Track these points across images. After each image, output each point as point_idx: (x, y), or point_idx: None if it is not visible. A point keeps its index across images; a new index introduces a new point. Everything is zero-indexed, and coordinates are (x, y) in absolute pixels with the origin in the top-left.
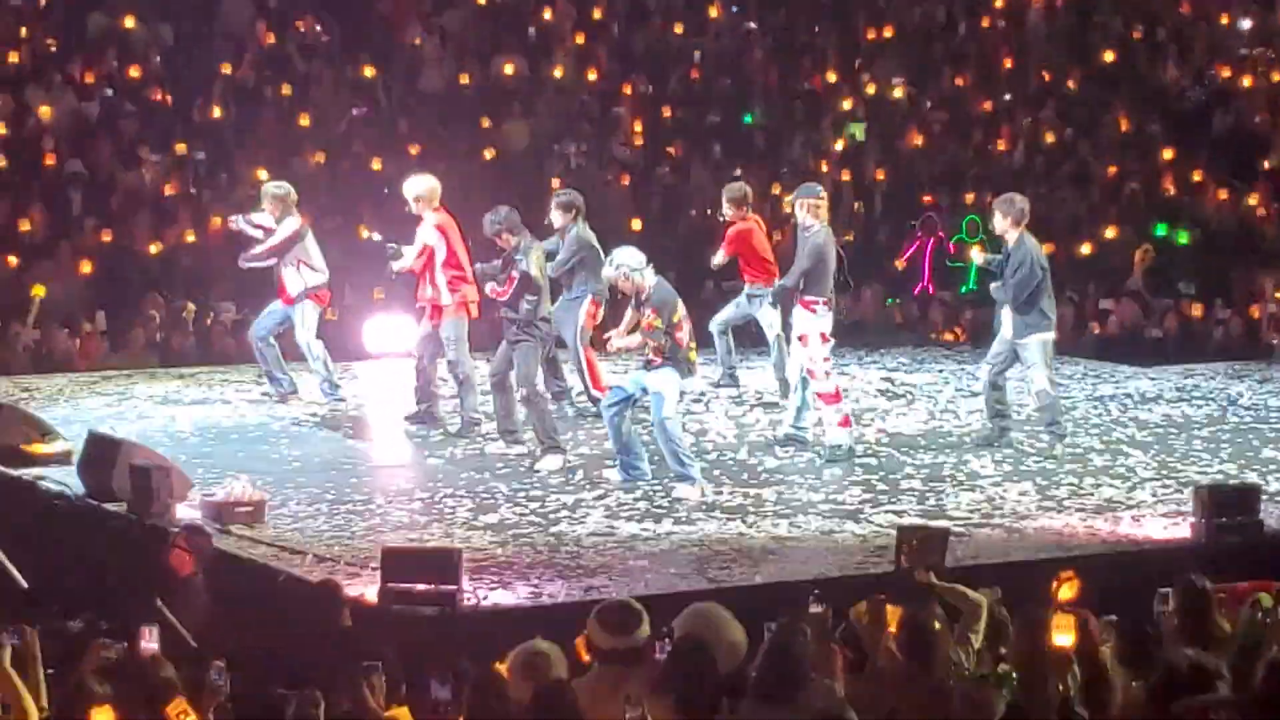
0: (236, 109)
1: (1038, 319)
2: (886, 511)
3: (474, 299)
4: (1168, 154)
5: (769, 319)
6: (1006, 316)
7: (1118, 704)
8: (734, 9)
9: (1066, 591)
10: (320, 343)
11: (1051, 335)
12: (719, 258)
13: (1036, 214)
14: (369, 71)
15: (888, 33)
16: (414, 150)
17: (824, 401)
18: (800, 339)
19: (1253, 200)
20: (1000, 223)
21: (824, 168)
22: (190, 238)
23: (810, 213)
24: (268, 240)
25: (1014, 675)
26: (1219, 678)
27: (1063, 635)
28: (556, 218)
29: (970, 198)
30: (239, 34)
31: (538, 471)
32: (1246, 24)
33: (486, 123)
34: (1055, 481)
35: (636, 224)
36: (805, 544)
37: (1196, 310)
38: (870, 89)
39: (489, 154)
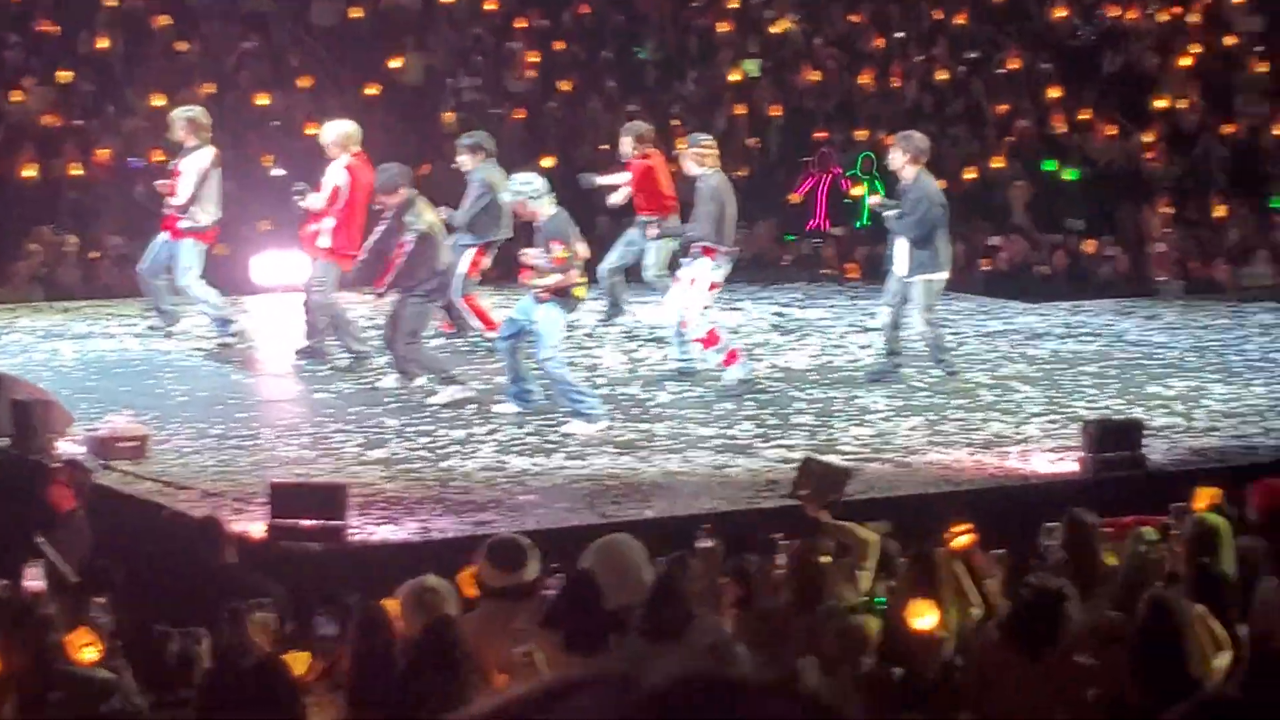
0: (124, 39)
1: (930, 259)
2: (777, 446)
3: (352, 254)
4: (1057, 92)
5: (653, 258)
6: (900, 252)
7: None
8: None
9: (961, 542)
10: (203, 282)
11: (941, 276)
12: (619, 197)
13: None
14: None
15: None
16: (304, 84)
17: (703, 347)
18: (691, 281)
19: (1143, 139)
20: (897, 159)
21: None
22: (76, 170)
23: (696, 161)
24: (182, 181)
25: (884, 602)
26: (1067, 599)
27: (922, 619)
28: (465, 161)
29: (864, 134)
30: None
31: (435, 401)
32: None
33: (389, 62)
34: (944, 417)
35: (547, 162)
36: (696, 479)
37: (1087, 247)
38: (766, 25)
39: (372, 90)
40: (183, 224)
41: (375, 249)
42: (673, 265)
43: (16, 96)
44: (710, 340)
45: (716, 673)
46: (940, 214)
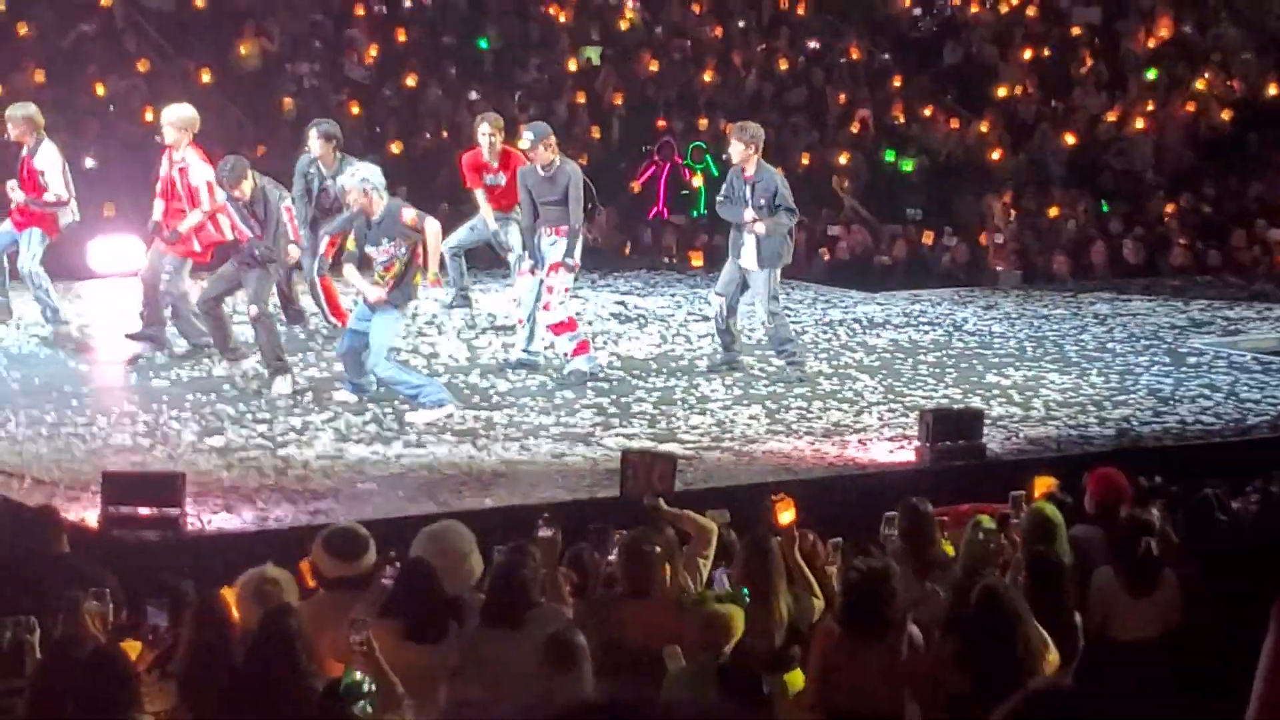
0: None
1: (780, 248)
2: (617, 435)
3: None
4: (897, 82)
5: (514, 241)
6: (749, 243)
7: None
8: None
9: (785, 514)
10: (42, 269)
11: (782, 265)
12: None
13: (771, 141)
14: None
15: None
16: (142, 68)
17: (555, 332)
18: (553, 267)
19: (981, 129)
20: (737, 150)
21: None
22: None
23: (552, 150)
24: (50, 179)
25: (747, 594)
26: (890, 577)
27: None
28: (316, 147)
29: (704, 123)
30: None
31: (268, 394)
32: None
33: (234, 47)
34: (784, 406)
35: (396, 147)
36: (536, 467)
37: (926, 238)
38: (609, 15)
39: (206, 77)
40: (61, 221)
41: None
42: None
43: None
44: (568, 326)
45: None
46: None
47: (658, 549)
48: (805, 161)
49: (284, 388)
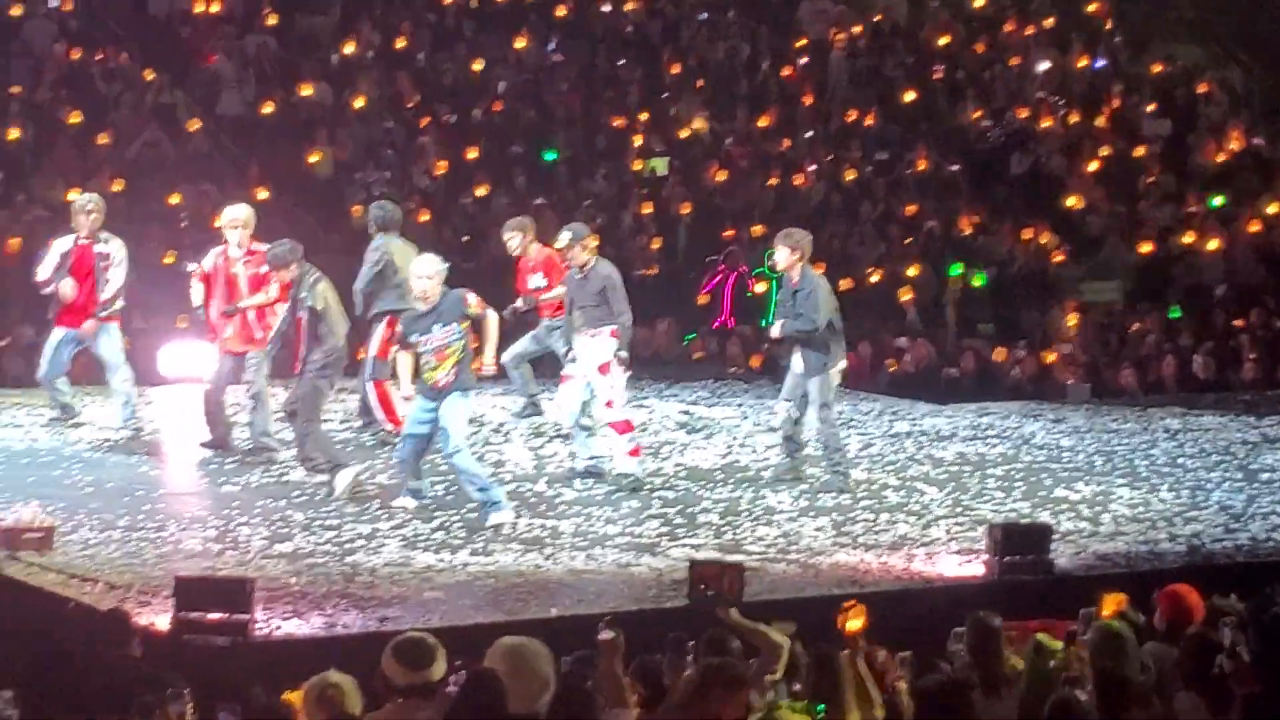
0: (34, 130)
1: (822, 356)
2: (683, 545)
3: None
4: (965, 194)
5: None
6: (797, 351)
7: None
8: (550, 48)
9: (854, 622)
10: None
11: (836, 369)
12: (533, 295)
13: (837, 252)
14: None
15: (691, 68)
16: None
17: (615, 430)
18: (601, 368)
19: (1044, 240)
20: (782, 256)
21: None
22: None
23: (591, 252)
24: (118, 270)
25: (822, 710)
26: (972, 689)
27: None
28: (372, 228)
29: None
30: (39, 54)
31: (334, 494)
32: (1044, 66)
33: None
34: (851, 518)
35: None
36: (602, 577)
37: (998, 354)
38: (676, 126)
39: (262, 194)
40: (107, 311)
41: (280, 334)
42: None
43: None
44: (626, 427)
45: None
46: (830, 312)
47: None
48: (872, 274)
49: (347, 479)
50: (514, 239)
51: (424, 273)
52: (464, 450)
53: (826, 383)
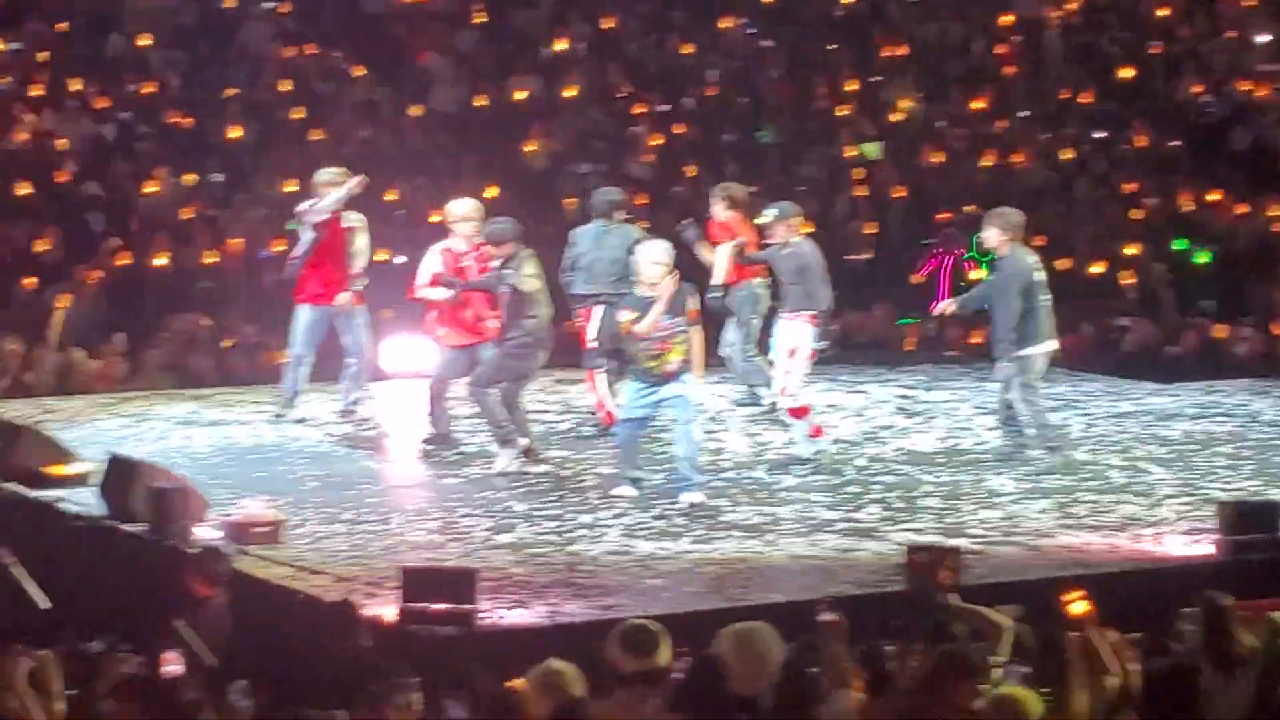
0: (255, 129)
1: (1022, 336)
2: (905, 530)
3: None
4: (1186, 170)
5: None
6: (992, 332)
7: None
8: (749, 29)
9: (1078, 605)
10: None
11: (1036, 351)
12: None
13: (1056, 231)
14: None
15: (903, 50)
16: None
17: (794, 417)
18: (791, 352)
19: (1272, 214)
20: (992, 236)
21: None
22: (211, 258)
23: (794, 231)
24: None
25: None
26: (1200, 672)
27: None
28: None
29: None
30: (256, 54)
31: (494, 469)
32: (1264, 38)
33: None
34: (1075, 499)
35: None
36: (823, 563)
37: (1220, 331)
38: (887, 108)
39: (491, 192)
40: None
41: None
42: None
43: (150, 187)
44: (804, 411)
45: None
46: (1033, 288)
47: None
48: (1091, 256)
49: (504, 464)
50: (714, 204)
51: (657, 258)
52: (698, 422)
53: (1027, 363)
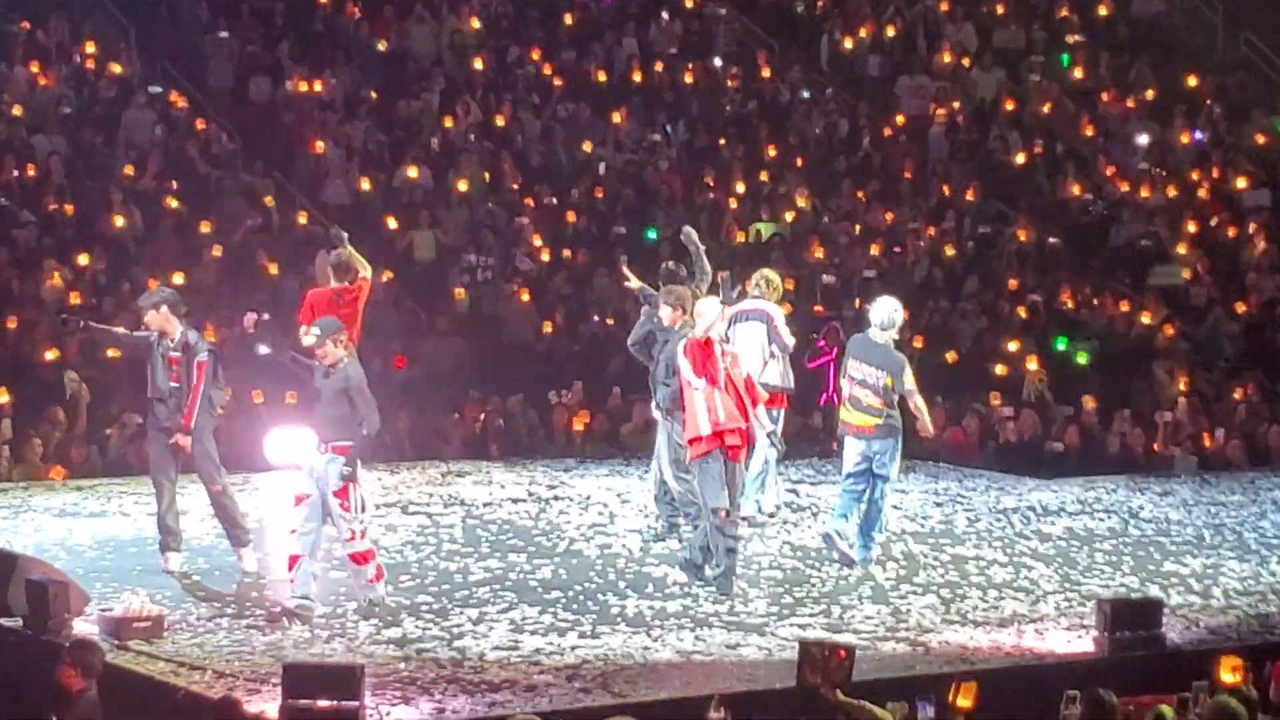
0: (140, 216)
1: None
2: (791, 625)
3: None
4: (1067, 266)
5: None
6: None
7: None
8: (667, 129)
9: (964, 699)
10: None
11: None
12: None
13: (941, 326)
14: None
15: (791, 146)
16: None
17: None
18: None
19: (1150, 312)
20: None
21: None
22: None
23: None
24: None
25: None
26: None
27: None
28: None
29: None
30: (141, 143)
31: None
32: (1143, 139)
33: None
34: (959, 595)
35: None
36: (710, 658)
37: (1099, 423)
38: (778, 203)
39: (386, 275)
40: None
41: None
42: None
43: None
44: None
45: None
46: None
47: None
48: (975, 348)
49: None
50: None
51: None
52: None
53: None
